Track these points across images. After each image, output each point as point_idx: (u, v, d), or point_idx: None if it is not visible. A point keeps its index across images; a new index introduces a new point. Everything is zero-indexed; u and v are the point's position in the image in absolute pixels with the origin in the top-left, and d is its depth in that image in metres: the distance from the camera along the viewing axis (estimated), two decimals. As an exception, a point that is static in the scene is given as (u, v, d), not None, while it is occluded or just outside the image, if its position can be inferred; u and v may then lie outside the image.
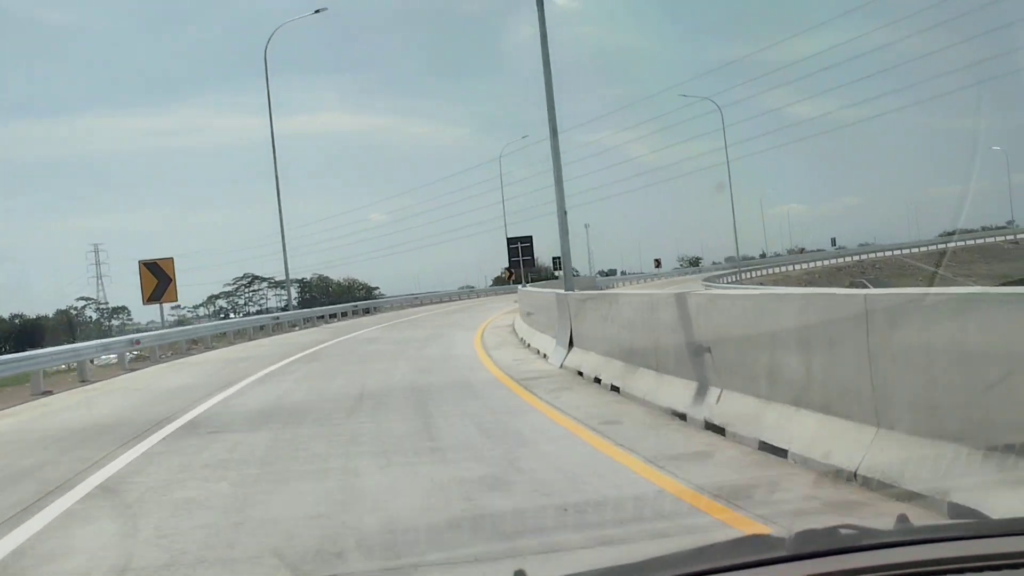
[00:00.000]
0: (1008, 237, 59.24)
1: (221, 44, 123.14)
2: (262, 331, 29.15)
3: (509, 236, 37.82)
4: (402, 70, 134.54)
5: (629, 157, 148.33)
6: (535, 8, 13.91)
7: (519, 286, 32.42)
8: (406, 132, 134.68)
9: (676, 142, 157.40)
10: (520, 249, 40.94)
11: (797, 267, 57.95)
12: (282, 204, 31.96)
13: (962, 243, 63.00)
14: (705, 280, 38.29)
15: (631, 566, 1.64)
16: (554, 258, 48.90)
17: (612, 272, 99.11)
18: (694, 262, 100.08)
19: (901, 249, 63.92)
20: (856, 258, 62.50)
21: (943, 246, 62.44)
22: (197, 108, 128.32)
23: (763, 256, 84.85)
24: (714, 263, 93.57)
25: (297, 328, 31.45)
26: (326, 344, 20.52)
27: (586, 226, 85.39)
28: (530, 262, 38.30)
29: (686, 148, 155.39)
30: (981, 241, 61.76)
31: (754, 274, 50.50)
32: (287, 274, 35.66)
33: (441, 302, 50.86)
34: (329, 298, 74.92)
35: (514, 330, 18.27)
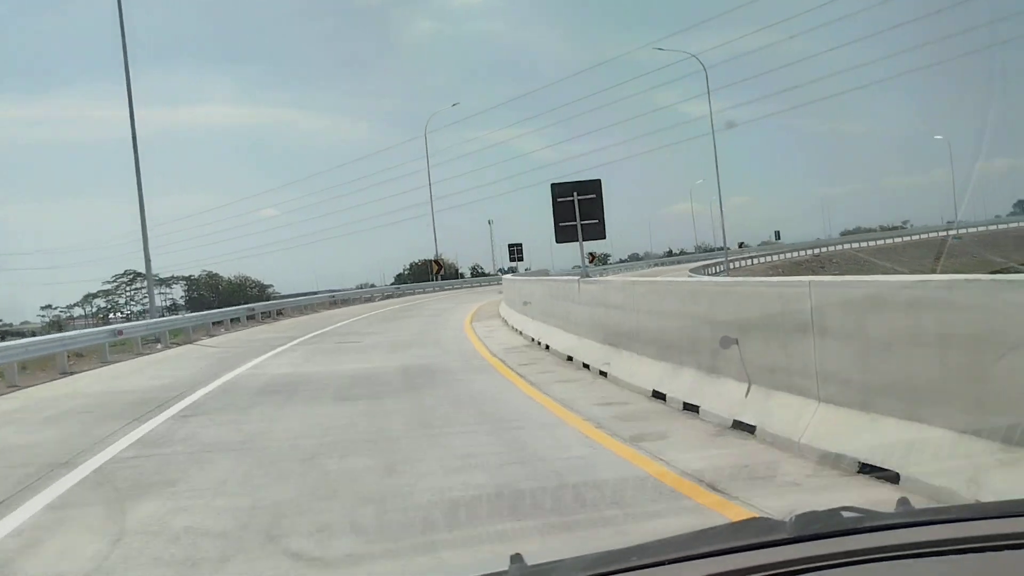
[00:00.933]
0: (951, 232, 61.39)
1: (95, 31, 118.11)
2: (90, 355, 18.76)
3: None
4: (298, 62, 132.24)
5: (528, 151, 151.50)
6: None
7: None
8: (302, 126, 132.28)
9: (575, 135, 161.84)
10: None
11: (763, 260, 58.04)
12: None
13: (910, 237, 65.23)
14: (691, 271, 38.50)
15: (630, 549, 1.64)
16: (511, 246, 50.19)
17: (513, 270, 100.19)
18: (603, 259, 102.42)
19: (828, 246, 66.92)
20: (814, 251, 63.49)
21: (891, 240, 65.43)
22: (71, 97, 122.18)
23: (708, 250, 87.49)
24: (620, 259, 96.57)
25: (160, 347, 21.35)
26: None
27: (489, 222, 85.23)
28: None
29: (589, 142, 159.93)
30: (926, 236, 63.26)
31: (734, 265, 50.67)
32: (148, 271, 29.65)
33: (365, 300, 44.08)
34: (219, 297, 71.90)
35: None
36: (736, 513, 4.22)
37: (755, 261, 56.84)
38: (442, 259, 56.03)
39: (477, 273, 77.78)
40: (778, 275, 39.67)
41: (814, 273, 41.82)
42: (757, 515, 1.58)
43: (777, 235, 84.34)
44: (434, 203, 55.91)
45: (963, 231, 60.66)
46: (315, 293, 46.23)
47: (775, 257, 59.56)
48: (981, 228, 64.26)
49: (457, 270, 65.81)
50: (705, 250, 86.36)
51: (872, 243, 66.97)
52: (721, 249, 63.97)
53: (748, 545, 1.62)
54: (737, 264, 53.10)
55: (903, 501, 1.80)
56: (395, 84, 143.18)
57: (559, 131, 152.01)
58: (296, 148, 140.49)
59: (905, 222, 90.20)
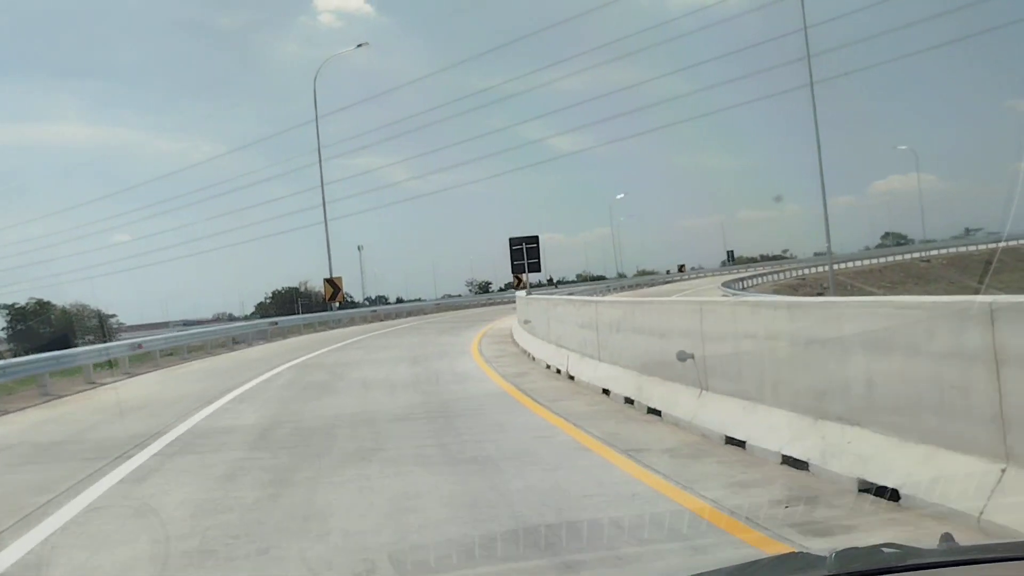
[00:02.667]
0: (920, 255, 62.49)
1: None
2: None
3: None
4: (153, 81, 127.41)
5: (396, 181, 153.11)
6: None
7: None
8: (154, 147, 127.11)
9: (446, 167, 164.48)
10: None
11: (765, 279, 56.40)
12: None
13: (877, 260, 64.00)
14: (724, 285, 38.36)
15: None
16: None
17: (382, 299, 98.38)
18: (483, 287, 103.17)
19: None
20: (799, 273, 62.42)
21: (868, 261, 63.32)
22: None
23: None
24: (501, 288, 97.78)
25: None
26: None
27: (359, 248, 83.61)
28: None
29: (462, 173, 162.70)
30: (899, 258, 63.81)
31: (748, 284, 47.99)
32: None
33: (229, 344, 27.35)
34: (51, 329, 66.78)
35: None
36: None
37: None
38: (338, 280, 42.28)
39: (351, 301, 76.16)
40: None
41: (818, 293, 41.04)
42: (796, 551, 1.64)
43: (730, 255, 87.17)
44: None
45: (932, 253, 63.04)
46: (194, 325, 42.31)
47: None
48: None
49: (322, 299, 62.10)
50: (594, 278, 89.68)
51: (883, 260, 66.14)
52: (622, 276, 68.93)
53: None
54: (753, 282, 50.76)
55: (947, 537, 1.83)
56: (258, 107, 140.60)
57: (427, 160, 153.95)
58: (149, 170, 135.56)
59: (785, 251, 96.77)
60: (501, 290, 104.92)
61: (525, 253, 25.74)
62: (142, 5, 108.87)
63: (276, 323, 33.96)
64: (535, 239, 26.65)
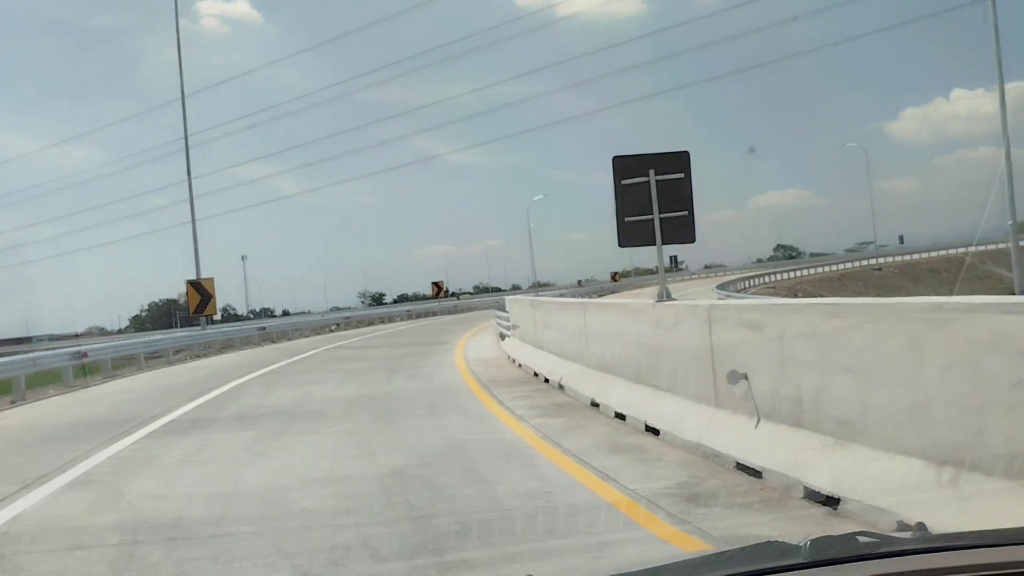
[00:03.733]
0: (871, 261, 63.35)
1: None
2: None
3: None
4: (19, 82, 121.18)
5: (284, 192, 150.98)
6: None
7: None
8: (18, 150, 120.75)
9: (338, 179, 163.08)
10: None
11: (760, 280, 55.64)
12: None
13: (837, 266, 64.62)
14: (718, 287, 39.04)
15: (644, 572, 1.69)
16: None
17: (268, 312, 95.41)
18: (377, 298, 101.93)
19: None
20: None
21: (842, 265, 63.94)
22: None
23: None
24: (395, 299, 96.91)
25: None
26: None
27: (243, 257, 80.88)
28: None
29: (349, 186, 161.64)
30: (849, 265, 64.26)
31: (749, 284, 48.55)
32: None
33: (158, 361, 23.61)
34: None
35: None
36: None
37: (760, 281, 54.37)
38: (208, 284, 32.95)
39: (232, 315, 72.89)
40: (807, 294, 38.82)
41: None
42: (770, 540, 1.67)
43: (675, 260, 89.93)
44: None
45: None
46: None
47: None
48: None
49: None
50: (493, 290, 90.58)
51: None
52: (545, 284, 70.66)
53: (761, 570, 1.67)
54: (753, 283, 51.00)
55: (920, 526, 1.90)
56: (133, 112, 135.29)
57: (316, 171, 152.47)
58: (14, 174, 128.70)
59: (683, 262, 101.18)
60: (395, 302, 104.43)
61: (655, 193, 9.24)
62: (7, 3, 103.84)
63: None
64: (683, 158, 9.11)
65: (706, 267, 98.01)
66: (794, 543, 1.76)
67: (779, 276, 58.58)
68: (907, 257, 67.29)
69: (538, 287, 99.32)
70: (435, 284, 60.36)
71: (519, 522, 5.20)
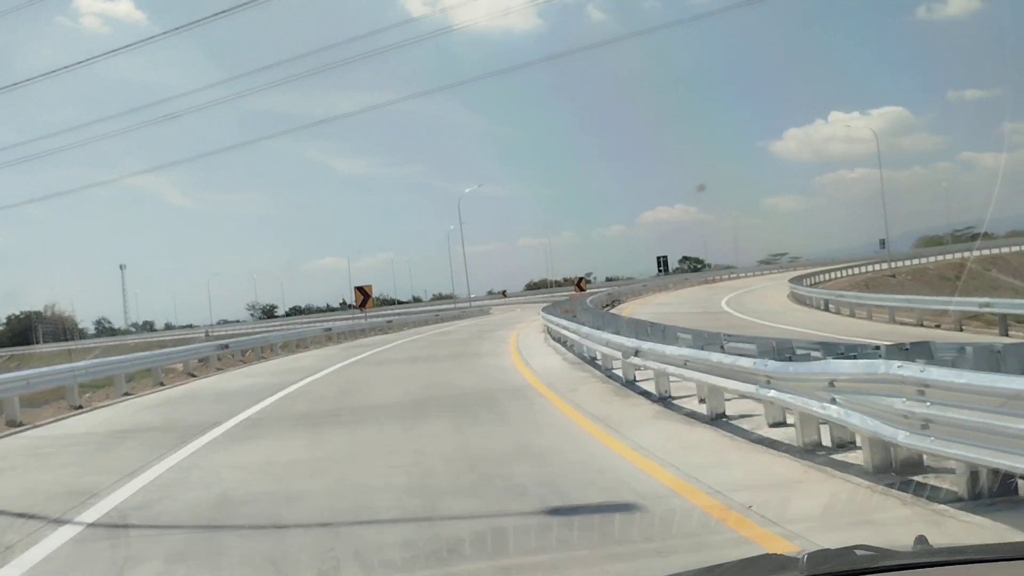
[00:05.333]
0: (884, 266, 59.76)
1: None
2: None
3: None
4: None
5: (170, 201, 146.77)
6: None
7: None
8: None
9: (223, 191, 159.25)
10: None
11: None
12: None
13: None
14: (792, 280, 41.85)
15: None
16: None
17: (148, 325, 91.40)
18: (268, 311, 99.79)
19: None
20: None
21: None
22: None
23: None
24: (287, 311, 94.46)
25: None
26: None
27: (121, 267, 77.47)
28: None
29: (239, 195, 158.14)
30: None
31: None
32: None
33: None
34: None
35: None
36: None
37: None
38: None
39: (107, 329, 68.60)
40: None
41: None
42: (767, 553, 1.67)
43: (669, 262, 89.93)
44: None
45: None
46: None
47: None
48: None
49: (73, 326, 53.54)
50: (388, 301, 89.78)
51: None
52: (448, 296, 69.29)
53: None
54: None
55: (920, 539, 1.91)
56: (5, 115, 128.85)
57: (200, 180, 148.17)
58: None
59: (589, 273, 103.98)
60: (287, 314, 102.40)
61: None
62: None
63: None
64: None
65: (608, 279, 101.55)
66: (791, 556, 1.80)
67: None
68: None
69: (440, 298, 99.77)
70: (360, 291, 41.14)
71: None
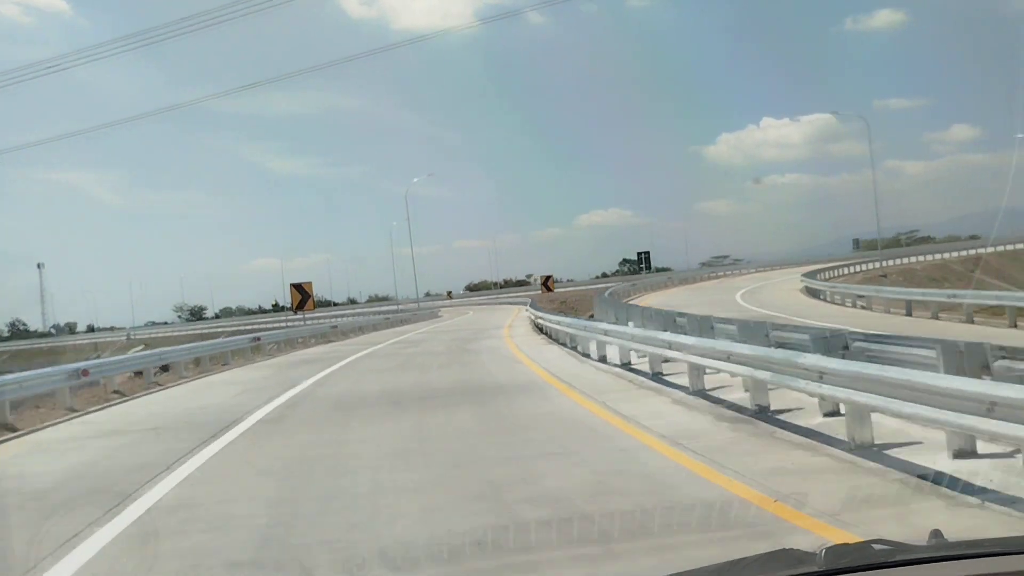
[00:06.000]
0: (868, 267, 60.64)
1: None
2: None
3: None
4: None
5: (98, 200, 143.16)
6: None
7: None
8: None
9: (160, 188, 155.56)
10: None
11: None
12: None
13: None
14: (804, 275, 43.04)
15: None
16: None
17: (70, 327, 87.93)
18: (196, 312, 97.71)
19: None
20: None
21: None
22: None
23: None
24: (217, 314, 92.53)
25: None
26: None
27: (39, 265, 74.82)
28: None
29: (171, 195, 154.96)
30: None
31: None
32: None
33: None
34: None
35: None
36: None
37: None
38: None
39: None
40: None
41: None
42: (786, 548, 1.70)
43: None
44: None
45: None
46: None
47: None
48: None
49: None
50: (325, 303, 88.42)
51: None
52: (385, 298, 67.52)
53: None
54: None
55: (935, 533, 1.96)
56: None
57: (130, 177, 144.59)
58: None
59: (530, 275, 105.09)
60: (217, 316, 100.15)
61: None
62: None
63: None
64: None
65: (612, 275, 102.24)
66: (809, 551, 1.85)
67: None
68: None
69: (378, 300, 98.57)
70: (298, 289, 37.01)
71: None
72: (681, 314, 15.62)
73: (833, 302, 33.31)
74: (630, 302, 33.27)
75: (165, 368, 21.55)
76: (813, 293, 37.71)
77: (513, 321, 38.83)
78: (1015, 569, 1.71)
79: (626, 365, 15.06)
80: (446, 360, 20.59)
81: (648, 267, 57.58)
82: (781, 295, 40.00)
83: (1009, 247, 53.93)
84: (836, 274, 52.67)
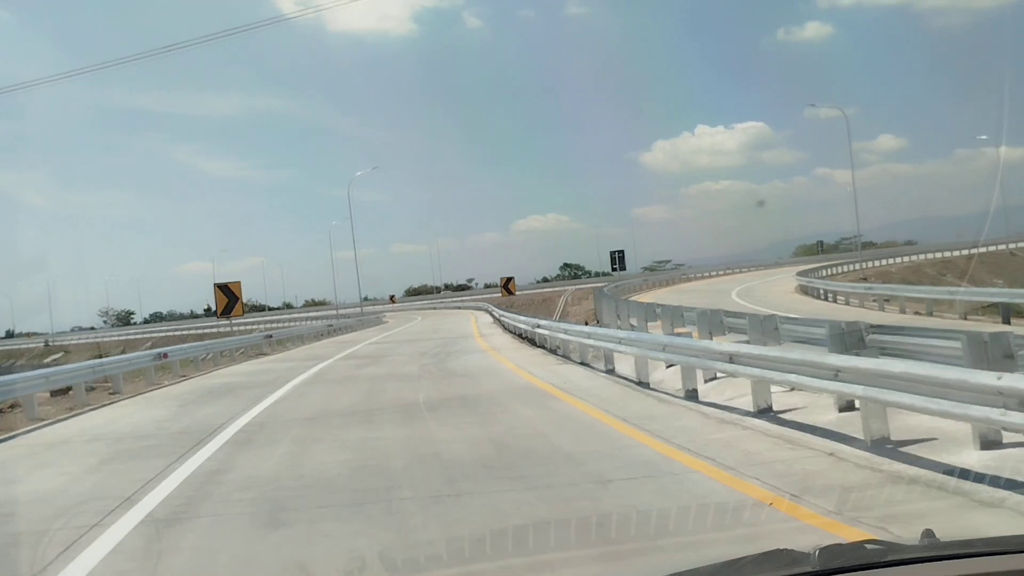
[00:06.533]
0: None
1: None
2: None
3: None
4: None
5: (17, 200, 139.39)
6: None
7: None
8: None
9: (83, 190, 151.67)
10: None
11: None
12: None
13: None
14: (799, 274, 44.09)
15: None
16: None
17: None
18: (123, 318, 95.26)
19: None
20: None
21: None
22: None
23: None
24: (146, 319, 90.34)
25: None
26: None
27: None
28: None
29: (97, 196, 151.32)
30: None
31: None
32: None
33: None
34: None
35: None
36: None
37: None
38: None
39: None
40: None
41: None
42: (780, 548, 1.71)
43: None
44: None
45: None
46: None
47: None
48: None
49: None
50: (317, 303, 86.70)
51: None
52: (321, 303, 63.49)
53: None
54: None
55: (928, 533, 2.00)
56: None
57: (55, 178, 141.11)
58: None
59: (471, 279, 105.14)
60: (146, 322, 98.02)
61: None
62: None
63: None
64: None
65: (486, 286, 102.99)
66: (804, 551, 1.88)
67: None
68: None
69: (314, 304, 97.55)
70: (223, 291, 32.22)
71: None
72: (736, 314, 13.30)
73: (837, 302, 33.15)
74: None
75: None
76: (813, 293, 37.16)
77: (480, 329, 35.04)
78: (1007, 569, 1.75)
79: (691, 394, 11.24)
80: (434, 391, 14.27)
81: (623, 267, 55.62)
82: (777, 295, 39.32)
83: (982, 249, 56.98)
84: (825, 274, 54.30)
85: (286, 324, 55.38)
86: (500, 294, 57.07)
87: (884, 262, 64.74)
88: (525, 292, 70.05)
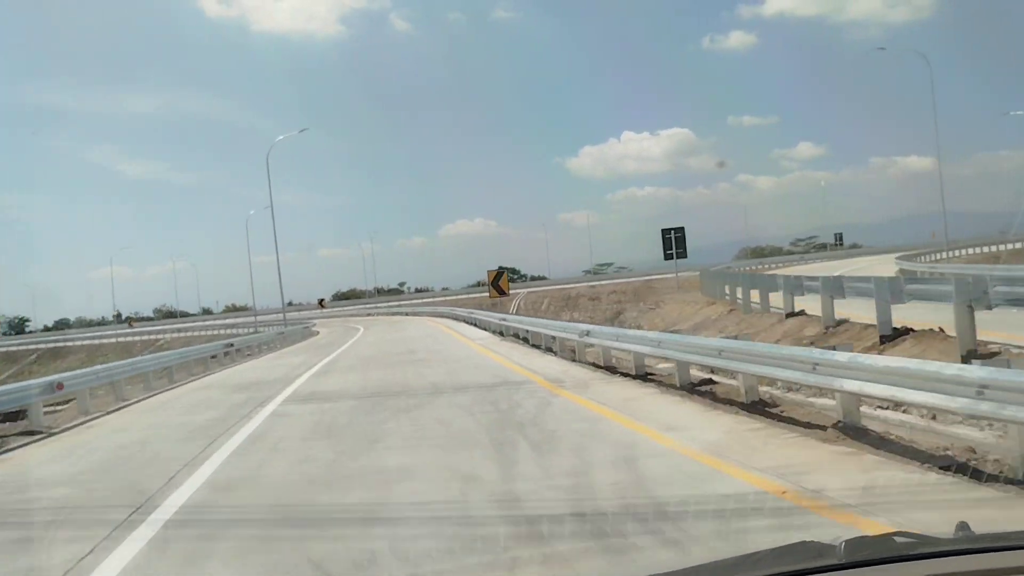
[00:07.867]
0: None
1: None
2: None
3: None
4: None
5: None
6: None
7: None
8: None
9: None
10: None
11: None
12: None
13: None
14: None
15: (676, 573, 1.77)
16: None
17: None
18: (18, 326, 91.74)
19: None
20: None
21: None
22: None
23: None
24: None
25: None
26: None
27: None
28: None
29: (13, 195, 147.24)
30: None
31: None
32: None
33: None
34: None
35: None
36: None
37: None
38: None
39: None
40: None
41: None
42: (804, 540, 1.67)
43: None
44: None
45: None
46: None
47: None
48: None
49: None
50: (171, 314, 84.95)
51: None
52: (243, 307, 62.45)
53: (796, 571, 1.76)
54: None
55: (962, 526, 1.97)
56: None
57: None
58: None
59: (403, 284, 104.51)
60: (46, 329, 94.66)
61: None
62: None
63: None
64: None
65: (417, 290, 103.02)
66: (829, 543, 1.84)
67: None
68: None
69: (235, 310, 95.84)
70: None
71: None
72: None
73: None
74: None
75: None
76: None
77: (477, 346, 25.31)
78: None
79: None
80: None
81: (683, 252, 44.02)
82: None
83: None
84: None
85: (189, 334, 50.06)
86: (488, 294, 46.90)
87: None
88: (471, 296, 67.82)
